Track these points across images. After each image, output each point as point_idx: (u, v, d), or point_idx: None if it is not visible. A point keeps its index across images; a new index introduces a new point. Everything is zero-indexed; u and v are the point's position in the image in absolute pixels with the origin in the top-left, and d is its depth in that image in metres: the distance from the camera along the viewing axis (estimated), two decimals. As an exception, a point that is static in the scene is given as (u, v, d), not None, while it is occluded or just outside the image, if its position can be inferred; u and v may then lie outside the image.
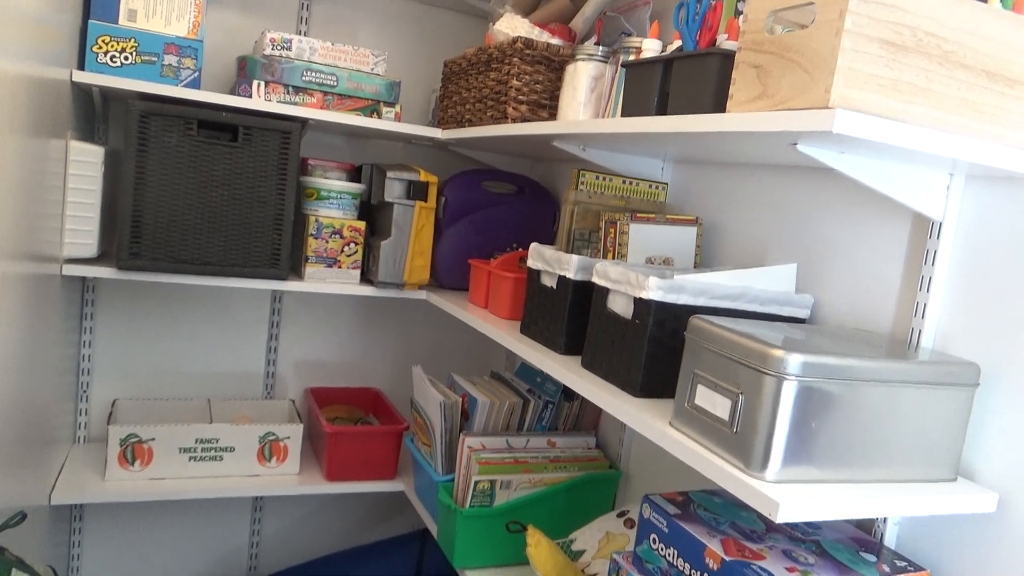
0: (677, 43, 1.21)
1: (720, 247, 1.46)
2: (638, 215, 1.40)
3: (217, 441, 1.88)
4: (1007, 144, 0.89)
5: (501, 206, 2.00)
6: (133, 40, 1.67)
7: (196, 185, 1.71)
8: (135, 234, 1.67)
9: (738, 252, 1.41)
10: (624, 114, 1.24)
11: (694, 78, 1.08)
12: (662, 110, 1.16)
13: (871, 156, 0.95)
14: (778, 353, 0.85)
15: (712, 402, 0.93)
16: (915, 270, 1.07)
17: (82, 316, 1.99)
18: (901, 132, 0.81)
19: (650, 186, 1.56)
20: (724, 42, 1.09)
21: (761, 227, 1.36)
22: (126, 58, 1.67)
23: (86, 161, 1.63)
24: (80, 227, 1.65)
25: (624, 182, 1.54)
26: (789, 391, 0.84)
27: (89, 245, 1.66)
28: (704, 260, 1.49)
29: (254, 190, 1.76)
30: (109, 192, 1.74)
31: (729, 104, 0.95)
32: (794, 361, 0.84)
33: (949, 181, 1.01)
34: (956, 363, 0.94)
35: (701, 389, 0.96)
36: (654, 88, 1.17)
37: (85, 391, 2.01)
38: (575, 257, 1.33)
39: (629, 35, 1.65)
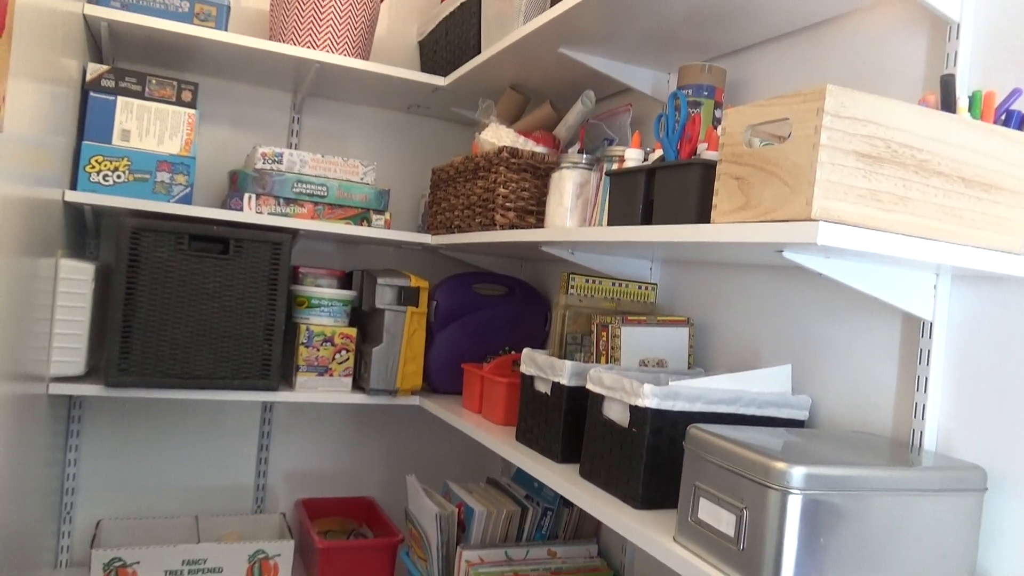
0: (659, 152, 1.24)
1: (713, 347, 1.45)
2: (629, 318, 1.40)
3: (205, 562, 1.81)
4: (989, 247, 0.90)
5: (493, 308, 2.00)
6: (126, 159, 1.71)
7: (187, 298, 1.71)
8: (124, 350, 1.66)
9: (731, 352, 1.41)
10: (610, 221, 1.25)
11: (677, 187, 1.10)
12: (647, 218, 1.18)
13: (857, 260, 0.95)
14: (781, 466, 0.83)
15: (716, 516, 0.91)
16: (910, 370, 1.07)
17: (68, 434, 1.94)
18: (884, 241, 0.82)
19: (639, 287, 1.57)
20: (704, 152, 1.12)
21: (753, 326, 1.36)
22: (119, 176, 1.70)
23: (76, 279, 1.63)
24: (68, 344, 1.63)
25: (614, 284, 1.55)
26: (795, 506, 0.82)
27: (76, 363, 1.65)
28: (698, 360, 1.48)
29: (245, 301, 1.76)
30: (99, 308, 1.73)
31: (714, 214, 0.97)
32: (798, 474, 0.82)
33: (936, 281, 1.02)
34: (962, 468, 0.92)
35: (704, 503, 0.93)
36: (639, 197, 1.19)
37: (69, 512, 1.95)
38: (568, 363, 1.32)
39: (611, 142, 1.70)
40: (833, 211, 0.81)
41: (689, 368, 1.44)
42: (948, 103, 0.92)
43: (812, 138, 0.82)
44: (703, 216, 1.05)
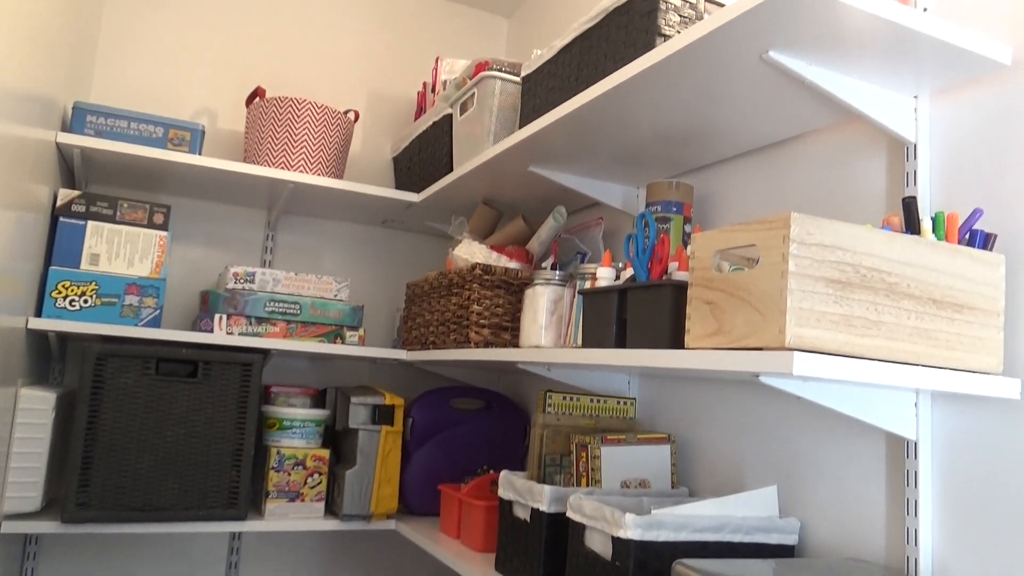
0: (631, 270, 1.23)
1: (696, 464, 1.41)
2: (608, 437, 1.36)
3: None
4: (967, 368, 0.88)
5: (470, 423, 1.95)
6: (94, 283, 1.68)
7: (152, 425, 1.65)
8: (83, 482, 1.58)
9: (715, 470, 1.36)
10: (584, 341, 1.23)
11: (650, 308, 1.09)
12: (621, 338, 1.16)
13: (835, 383, 0.93)
14: (770, 611, 0.78)
15: (706, 666, 0.84)
16: (899, 492, 1.03)
17: (22, 574, 1.83)
18: (860, 368, 0.80)
19: (618, 403, 1.53)
20: (676, 272, 1.12)
21: (736, 443, 1.32)
22: (85, 301, 1.67)
23: (36, 409, 1.57)
24: (24, 479, 1.55)
25: (592, 400, 1.51)
26: (788, 656, 0.77)
27: (33, 498, 1.56)
28: (681, 479, 1.44)
29: (213, 426, 1.70)
30: (59, 437, 1.66)
31: (687, 338, 0.95)
32: (788, 619, 0.77)
33: (916, 399, 1.00)
34: (960, 601, 0.87)
35: (692, 649, 0.87)
36: (612, 316, 1.17)
37: (17, 659, 1.81)
38: (547, 488, 1.27)
39: (584, 256, 1.70)
40: (807, 339, 0.80)
41: (673, 487, 1.40)
42: (912, 225, 0.92)
43: (780, 265, 0.81)
44: (677, 337, 1.04)
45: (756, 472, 1.27)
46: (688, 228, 1.39)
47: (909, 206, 0.93)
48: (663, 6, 1.13)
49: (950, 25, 0.92)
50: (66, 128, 1.72)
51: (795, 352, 0.77)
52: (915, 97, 1.06)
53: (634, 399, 1.55)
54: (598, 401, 1.52)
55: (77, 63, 1.80)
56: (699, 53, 1.02)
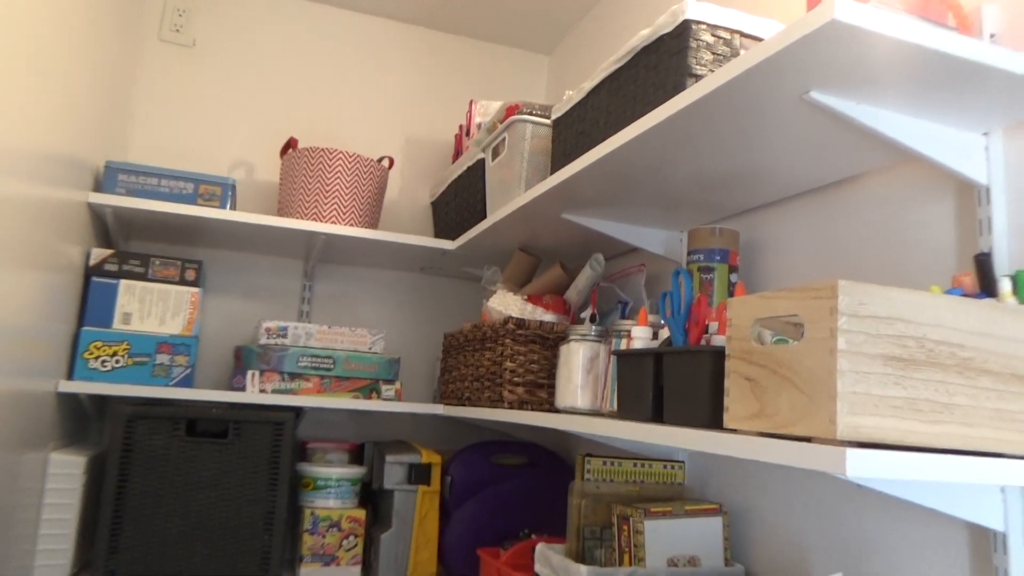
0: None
1: (752, 539, 1.28)
2: (652, 509, 1.24)
3: None
4: (1062, 455, 0.75)
5: (513, 480, 1.85)
6: (126, 343, 1.66)
7: (182, 488, 1.61)
8: (112, 548, 1.54)
9: (773, 548, 1.23)
10: (619, 407, 1.13)
11: (687, 376, 0.98)
12: (658, 408, 1.05)
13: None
14: None
15: None
16: (985, 589, 0.89)
17: (58, 637, 1.80)
18: (928, 465, 0.68)
19: (665, 467, 1.41)
20: (715, 336, 1.01)
21: (797, 518, 1.19)
22: (117, 361, 1.65)
23: (66, 474, 1.54)
24: (54, 546, 1.52)
25: (636, 464, 1.40)
26: None
27: (62, 566, 1.53)
28: (735, 555, 1.30)
29: (244, 488, 1.65)
30: (90, 501, 1.63)
31: (726, 417, 0.84)
32: None
33: (1003, 486, 0.86)
34: None
35: None
36: (648, 383, 1.07)
37: None
38: (584, 569, 1.16)
39: (626, 305, 1.60)
40: (864, 429, 0.68)
41: (727, 565, 1.27)
42: (987, 285, 0.79)
43: (828, 342, 0.70)
44: (717, 411, 0.92)
45: (820, 553, 1.13)
46: (734, 278, 1.28)
47: (983, 263, 0.80)
48: (693, 44, 1.04)
49: (1021, 55, 0.79)
50: (98, 187, 1.72)
51: (847, 449, 0.65)
52: (985, 134, 0.93)
53: (683, 463, 1.42)
54: (643, 465, 1.40)
55: (112, 122, 1.81)
56: (731, 95, 0.92)
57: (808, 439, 0.72)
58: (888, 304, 0.71)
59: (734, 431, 0.83)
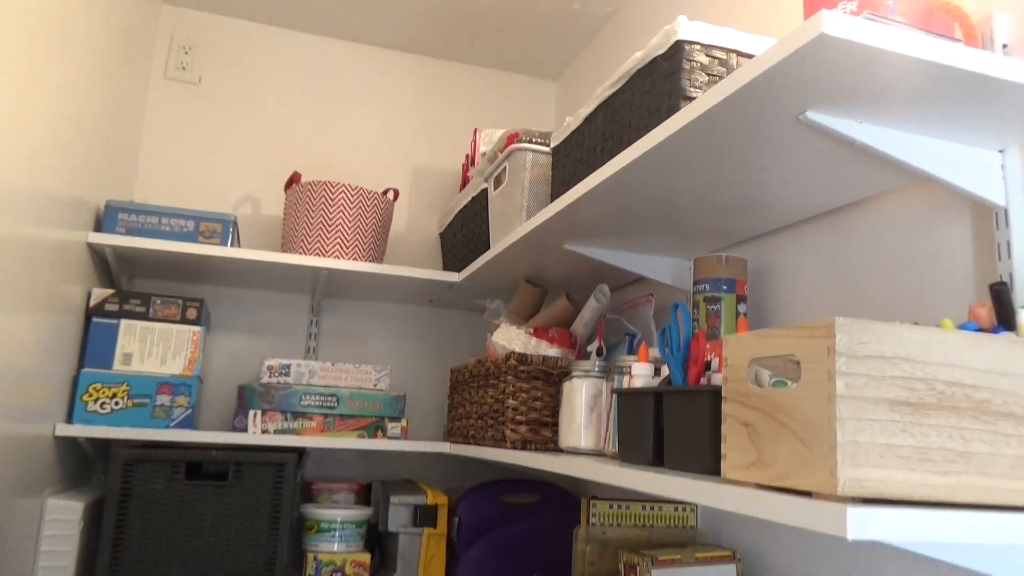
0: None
1: (768, 586, 1.19)
2: (660, 558, 1.17)
3: None
4: (1098, 507, 0.67)
5: (523, 521, 1.78)
6: (125, 384, 1.63)
7: (181, 532, 1.57)
8: (109, 597, 1.50)
9: (790, 595, 1.15)
10: (620, 449, 1.06)
11: (687, 417, 0.92)
12: (659, 451, 0.98)
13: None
14: None
15: None
16: (1020, 653, 0.80)
17: None
18: (941, 524, 0.60)
19: (676, 509, 1.34)
20: (716, 372, 0.94)
21: (817, 566, 1.11)
22: (116, 403, 1.62)
23: (63, 520, 1.51)
24: (50, 595, 1.49)
25: (644, 508, 1.32)
26: None
27: (58, 615, 1.49)
28: (751, 604, 1.22)
29: (245, 532, 1.60)
30: (87, 547, 1.59)
31: (723, 465, 0.77)
32: None
33: (1033, 534, 0.78)
34: None
35: None
36: (648, 423, 1.00)
37: None
38: (585, 622, 1.09)
39: (634, 337, 1.53)
40: (868, 483, 0.61)
41: (741, 615, 1.18)
42: (1006, 318, 0.72)
43: (826, 386, 0.63)
44: (718, 457, 0.86)
45: (838, 605, 1.05)
46: (742, 308, 1.21)
47: (999, 293, 0.73)
48: (687, 65, 0.99)
49: (1037, 65, 0.73)
50: (99, 227, 1.70)
51: (848, 507, 0.58)
52: (1000, 152, 0.87)
53: (695, 505, 1.35)
54: (653, 508, 1.33)
55: (117, 160, 1.80)
56: (724, 117, 0.86)
57: (808, 493, 0.65)
58: (892, 342, 0.64)
59: (734, 481, 0.76)
